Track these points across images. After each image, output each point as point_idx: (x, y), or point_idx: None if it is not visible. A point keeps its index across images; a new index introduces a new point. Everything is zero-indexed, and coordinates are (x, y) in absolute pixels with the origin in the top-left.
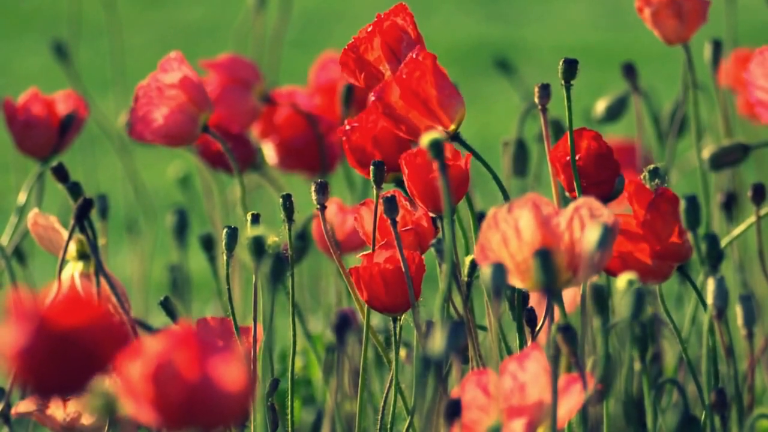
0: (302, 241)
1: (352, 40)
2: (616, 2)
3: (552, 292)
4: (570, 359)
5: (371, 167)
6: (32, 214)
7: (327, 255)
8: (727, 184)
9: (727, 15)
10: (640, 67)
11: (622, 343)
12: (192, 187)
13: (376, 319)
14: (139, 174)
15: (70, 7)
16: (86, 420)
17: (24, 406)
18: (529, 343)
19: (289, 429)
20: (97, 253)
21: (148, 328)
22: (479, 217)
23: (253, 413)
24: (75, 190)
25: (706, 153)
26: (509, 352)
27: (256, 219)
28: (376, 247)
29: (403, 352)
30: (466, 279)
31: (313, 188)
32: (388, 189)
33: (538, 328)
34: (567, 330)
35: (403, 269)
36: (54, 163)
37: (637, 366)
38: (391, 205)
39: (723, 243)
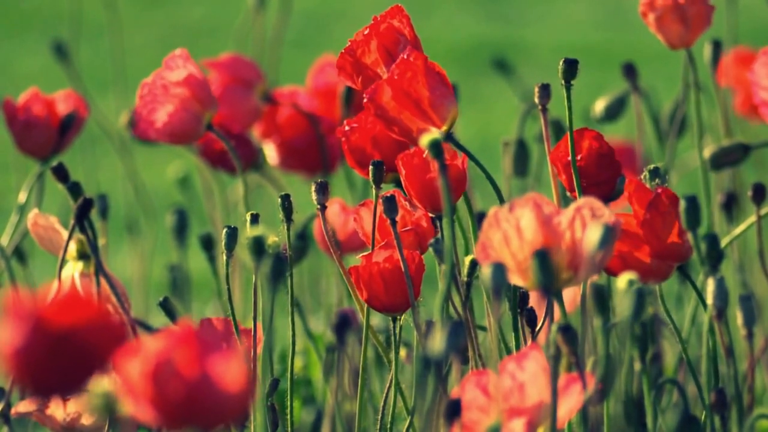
0: (302, 241)
1: (349, 43)
2: (617, 2)
3: (551, 292)
4: (570, 359)
5: (370, 167)
6: (32, 214)
7: (328, 255)
8: (728, 184)
9: (727, 15)
10: (641, 66)
11: (622, 343)
12: (192, 187)
13: (376, 319)
14: (139, 174)
15: (71, 7)
16: (86, 420)
17: (24, 406)
18: (529, 343)
19: (289, 429)
20: (97, 253)
21: (148, 328)
22: (478, 217)
23: (253, 413)
24: (75, 190)
25: (707, 153)
26: (509, 352)
27: (255, 219)
28: (376, 247)
29: (403, 352)
30: (465, 279)
31: (313, 188)
32: (388, 189)
33: (538, 328)
34: (567, 330)
35: (403, 269)
36: (54, 163)
37: (638, 366)
38: (390, 205)
39: (723, 243)
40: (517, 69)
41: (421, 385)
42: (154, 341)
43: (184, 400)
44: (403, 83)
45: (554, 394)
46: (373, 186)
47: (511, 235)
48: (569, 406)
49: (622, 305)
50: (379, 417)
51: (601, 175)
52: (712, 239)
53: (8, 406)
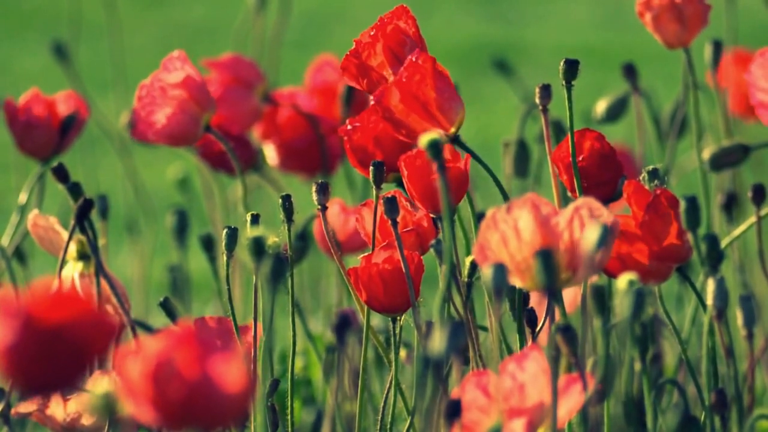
0: (302, 241)
1: (354, 44)
2: (617, 2)
3: (552, 292)
4: (570, 359)
5: (371, 168)
6: (32, 215)
7: (328, 255)
8: (728, 184)
9: (727, 16)
10: (641, 67)
11: (622, 344)
12: (192, 188)
13: (377, 320)
14: (139, 174)
15: (71, 7)
16: (86, 420)
17: (24, 406)
18: (530, 343)
19: (289, 429)
20: (97, 253)
21: (149, 329)
22: (479, 218)
23: (254, 413)
24: (75, 190)
25: (706, 154)
26: (510, 352)
27: (255, 219)
28: (376, 248)
29: (403, 353)
30: (466, 280)
31: (314, 189)
32: (389, 189)
33: (538, 328)
34: (567, 330)
35: (404, 270)
36: (54, 164)
37: (638, 366)
38: (391, 205)
39: (723, 244)
40: (518, 69)
41: (422, 385)
42: (155, 342)
43: (184, 401)
44: (411, 86)
45: (554, 394)
46: (374, 186)
47: (509, 235)
48: (569, 406)
49: (622, 306)
50: (380, 417)
51: (602, 175)
52: (712, 240)
53: (8, 406)
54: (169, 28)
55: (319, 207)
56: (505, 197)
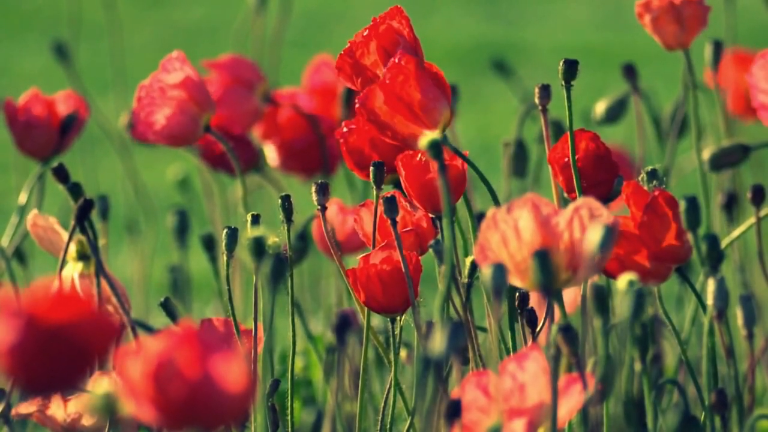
0: (302, 241)
1: (348, 44)
2: (617, 3)
3: (551, 293)
4: (570, 360)
5: (371, 168)
6: (32, 215)
7: (327, 256)
8: (727, 185)
9: (726, 16)
10: (641, 67)
11: (622, 344)
12: (192, 188)
13: (377, 320)
14: (139, 174)
15: (70, 8)
16: (87, 420)
17: (24, 407)
18: (530, 343)
19: (290, 429)
20: (97, 253)
21: (149, 329)
22: (478, 218)
23: (254, 414)
24: (75, 190)
25: (706, 154)
26: (509, 353)
27: (256, 219)
28: (375, 248)
29: (403, 353)
30: (466, 280)
31: (313, 189)
32: (387, 191)
33: (538, 329)
34: (567, 330)
35: (403, 270)
36: (54, 164)
37: (638, 366)
38: (391, 205)
39: (723, 244)
40: (517, 70)
41: (422, 385)
42: (156, 342)
43: (185, 401)
44: (395, 87)
45: (554, 394)
46: (374, 186)
47: (509, 236)
48: (569, 406)
49: (622, 306)
50: (380, 418)
51: (598, 176)
52: (713, 240)
53: (8, 406)
54: (169, 28)
55: (319, 207)
56: (495, 197)
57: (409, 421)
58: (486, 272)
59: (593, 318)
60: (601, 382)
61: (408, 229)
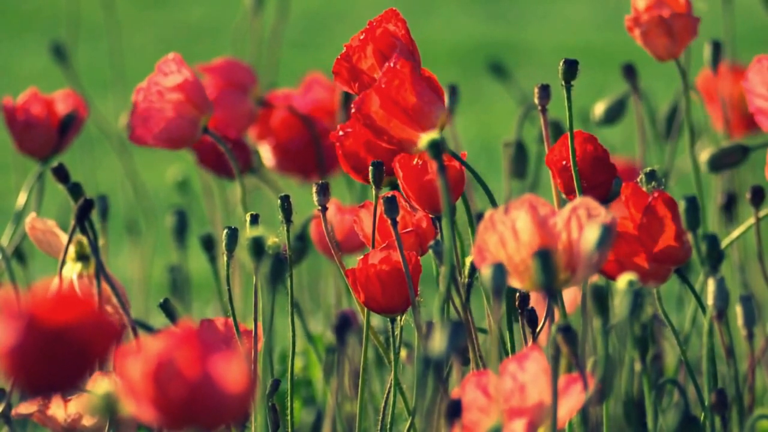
0: (301, 242)
1: (345, 48)
2: (617, 2)
3: (551, 293)
4: (570, 360)
5: (370, 168)
6: (30, 218)
7: (326, 256)
8: (727, 186)
9: (724, 17)
10: (640, 67)
11: (622, 344)
12: (192, 188)
13: (377, 320)
14: (139, 175)
15: (70, 8)
16: (87, 421)
17: (25, 407)
18: (530, 343)
19: (290, 429)
20: (98, 254)
21: (149, 329)
22: (477, 218)
23: (254, 413)
24: (76, 190)
25: (705, 155)
26: (506, 354)
27: (255, 220)
28: (375, 249)
29: (403, 353)
30: (466, 280)
31: (314, 189)
32: (386, 191)
33: (538, 329)
34: (567, 330)
35: (404, 270)
36: (54, 164)
37: (638, 366)
38: (391, 205)
39: (722, 245)
40: (517, 70)
41: (422, 385)
42: (156, 342)
43: (185, 401)
44: (391, 91)
45: (555, 394)
46: (373, 187)
47: (507, 237)
48: (570, 406)
49: (621, 306)
50: (380, 418)
51: (596, 178)
52: (713, 240)
53: (9, 406)
54: (168, 28)
55: (319, 207)
56: (491, 198)
57: (409, 421)
58: (485, 273)
59: (593, 318)
60: (601, 382)
61: (408, 229)
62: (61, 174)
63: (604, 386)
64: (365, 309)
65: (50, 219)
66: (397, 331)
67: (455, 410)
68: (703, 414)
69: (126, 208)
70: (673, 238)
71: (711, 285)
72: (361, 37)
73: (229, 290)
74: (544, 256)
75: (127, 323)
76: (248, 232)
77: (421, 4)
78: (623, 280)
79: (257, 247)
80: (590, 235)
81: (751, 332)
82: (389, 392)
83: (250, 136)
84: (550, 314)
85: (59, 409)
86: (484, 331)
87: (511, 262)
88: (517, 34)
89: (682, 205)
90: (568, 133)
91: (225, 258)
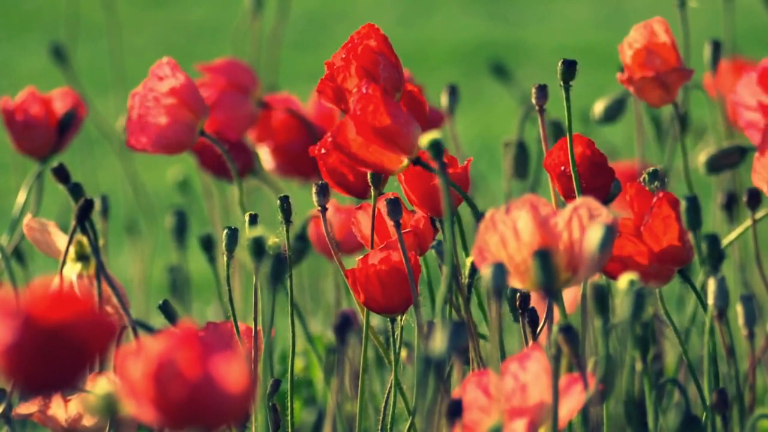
0: (301, 242)
1: (327, 68)
2: (617, 3)
3: (552, 293)
4: (571, 359)
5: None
6: (26, 219)
7: (325, 257)
8: (726, 185)
9: (725, 17)
10: None
11: (622, 344)
12: (192, 189)
13: (377, 320)
14: (138, 175)
15: (70, 8)
16: (88, 421)
17: (25, 407)
18: (530, 343)
19: (290, 430)
20: (98, 254)
21: (149, 329)
22: (478, 219)
23: (255, 414)
24: (76, 190)
25: (703, 156)
26: (505, 355)
27: (254, 220)
28: (374, 249)
29: (404, 353)
30: (466, 280)
31: (314, 190)
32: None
33: (538, 329)
34: (568, 330)
35: (406, 270)
36: (54, 164)
37: (639, 366)
38: (394, 207)
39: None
40: (518, 70)
41: (422, 385)
42: (156, 342)
43: (186, 401)
44: (366, 117)
45: (555, 394)
46: (372, 187)
47: (508, 237)
48: (570, 406)
49: (622, 306)
50: (380, 418)
51: (594, 181)
52: (713, 240)
53: (9, 406)
54: (168, 29)
55: (319, 208)
56: (475, 211)
57: (409, 422)
58: (485, 272)
59: (594, 318)
60: (601, 382)
61: (407, 230)
62: (62, 174)
63: (604, 386)
64: (365, 309)
65: (50, 219)
66: (398, 331)
67: (456, 410)
68: (704, 414)
69: (126, 208)
70: (677, 238)
71: (711, 285)
72: (343, 56)
73: (229, 291)
74: (544, 256)
75: (128, 323)
76: (248, 233)
77: (422, 4)
78: (624, 280)
79: (258, 247)
80: (593, 236)
81: (752, 332)
82: (389, 392)
83: (249, 139)
84: (550, 314)
85: (60, 409)
86: (483, 337)
87: (512, 262)
88: (518, 34)
89: (683, 205)
90: (567, 135)
91: (225, 258)
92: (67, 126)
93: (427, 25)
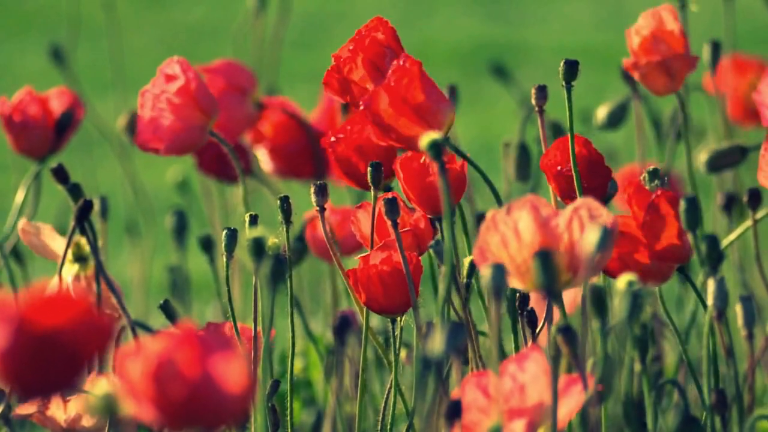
0: (301, 242)
1: (334, 60)
2: (618, 3)
3: (552, 293)
4: (570, 360)
5: (369, 169)
6: (21, 223)
7: (322, 259)
8: (726, 185)
9: (725, 17)
10: None
11: (621, 344)
12: (191, 189)
13: (376, 320)
14: (138, 176)
15: (70, 8)
16: (87, 421)
17: (25, 407)
18: (530, 344)
19: (289, 430)
20: (97, 254)
21: (149, 329)
22: (477, 219)
23: (254, 414)
24: (75, 191)
25: (704, 156)
26: (505, 356)
27: (254, 220)
28: (373, 249)
29: (403, 354)
30: (465, 280)
31: (312, 190)
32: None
33: (538, 330)
34: (567, 331)
35: (405, 270)
36: (53, 164)
37: (638, 367)
38: (392, 206)
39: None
40: (518, 70)
41: (422, 386)
42: (156, 342)
43: (185, 401)
44: (400, 89)
45: (554, 394)
46: (372, 187)
47: (509, 237)
48: (569, 406)
49: (620, 307)
50: (380, 418)
51: (591, 181)
52: (712, 240)
53: (9, 407)
54: (169, 29)
55: (318, 208)
56: (498, 199)
57: (409, 422)
58: (485, 272)
59: (593, 319)
60: (600, 383)
61: (406, 229)
62: (61, 175)
63: (603, 387)
64: (364, 309)
65: (49, 219)
66: (398, 332)
67: (455, 411)
68: (703, 414)
69: (126, 208)
70: (675, 235)
71: (711, 285)
72: (351, 48)
73: (229, 291)
74: (545, 257)
75: (127, 324)
76: (248, 233)
77: (422, 5)
78: (623, 281)
79: (258, 247)
80: (591, 236)
81: (751, 332)
82: (389, 393)
83: (246, 140)
84: (549, 315)
85: (59, 410)
86: (484, 334)
87: (513, 263)
88: (518, 35)
89: (682, 205)
90: (565, 135)
91: (224, 259)
92: (64, 126)
93: (427, 26)
